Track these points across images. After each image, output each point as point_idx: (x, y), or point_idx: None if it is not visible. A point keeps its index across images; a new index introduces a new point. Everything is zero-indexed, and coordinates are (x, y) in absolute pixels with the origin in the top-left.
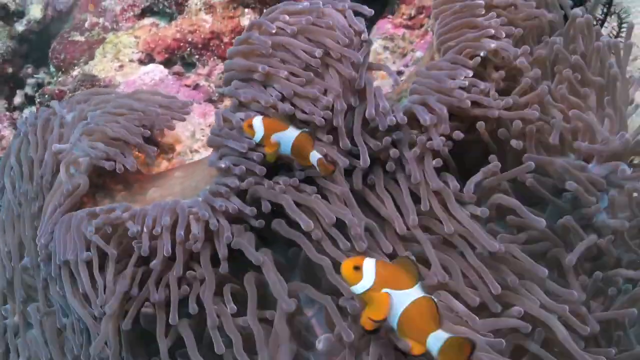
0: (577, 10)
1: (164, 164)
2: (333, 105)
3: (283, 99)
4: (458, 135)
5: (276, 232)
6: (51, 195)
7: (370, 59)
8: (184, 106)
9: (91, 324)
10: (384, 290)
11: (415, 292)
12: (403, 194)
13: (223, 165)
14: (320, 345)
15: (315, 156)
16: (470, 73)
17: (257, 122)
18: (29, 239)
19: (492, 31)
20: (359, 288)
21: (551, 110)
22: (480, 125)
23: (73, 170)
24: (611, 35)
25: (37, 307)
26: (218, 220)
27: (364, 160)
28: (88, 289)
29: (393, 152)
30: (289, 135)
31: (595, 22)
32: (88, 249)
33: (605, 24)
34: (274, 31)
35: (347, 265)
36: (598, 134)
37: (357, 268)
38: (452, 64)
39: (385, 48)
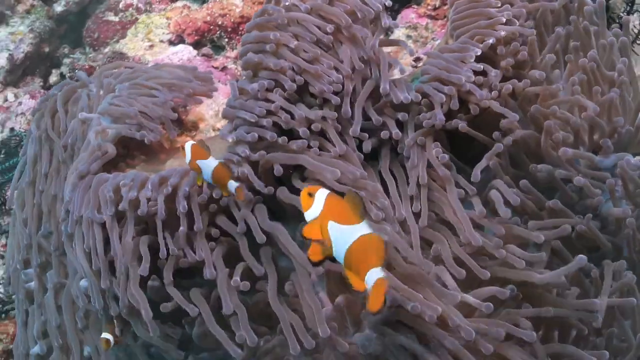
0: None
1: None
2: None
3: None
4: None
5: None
6: (77, 160)
7: (391, 48)
8: (205, 79)
9: (94, 281)
10: (330, 222)
11: (361, 228)
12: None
13: (230, 140)
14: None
15: (232, 185)
16: (479, 51)
17: (187, 147)
18: (48, 206)
19: (504, 19)
20: (309, 215)
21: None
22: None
23: (100, 140)
24: (632, 33)
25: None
26: None
27: (354, 131)
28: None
29: (395, 133)
30: (209, 164)
31: (616, 20)
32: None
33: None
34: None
35: (304, 191)
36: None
37: (311, 195)
38: (462, 45)
39: (408, 37)
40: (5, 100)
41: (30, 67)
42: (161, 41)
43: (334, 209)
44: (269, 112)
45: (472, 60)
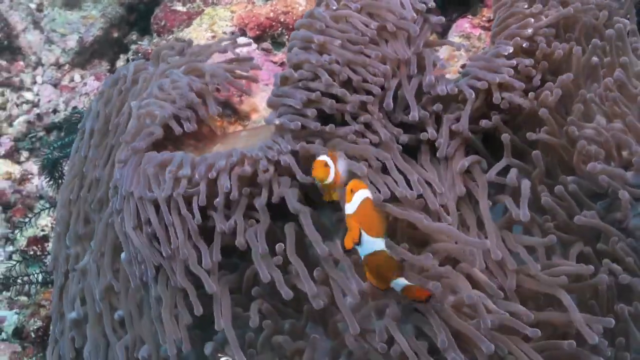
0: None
1: (238, 129)
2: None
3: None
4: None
5: None
6: (126, 137)
7: (445, 54)
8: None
9: (147, 253)
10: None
11: (380, 243)
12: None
13: (277, 122)
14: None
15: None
16: (511, 49)
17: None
18: (96, 178)
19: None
20: (347, 208)
21: (595, 116)
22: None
23: (149, 121)
24: None
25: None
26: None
27: (412, 116)
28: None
29: (431, 133)
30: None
31: None
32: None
33: None
34: (334, 7)
35: (350, 186)
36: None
37: (352, 191)
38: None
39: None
40: (72, 80)
41: (98, 51)
42: (224, 32)
43: (362, 215)
44: (311, 101)
45: (506, 53)
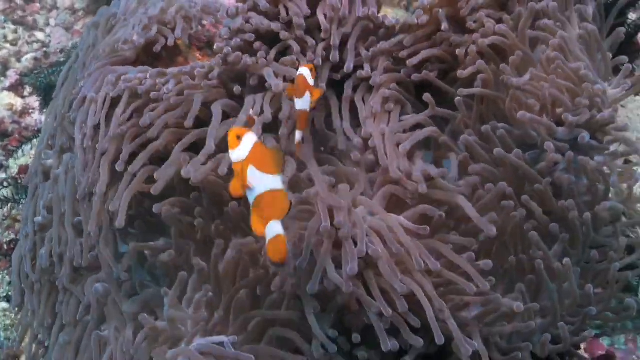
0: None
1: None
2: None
3: None
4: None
5: None
6: (98, 54)
7: None
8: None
9: (81, 153)
10: (250, 166)
11: (275, 181)
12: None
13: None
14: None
15: None
16: None
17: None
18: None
19: None
20: (233, 155)
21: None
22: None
23: (127, 47)
24: None
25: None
26: None
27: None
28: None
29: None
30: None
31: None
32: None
33: None
34: None
35: (232, 132)
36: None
37: (239, 138)
38: None
39: None
40: (84, 26)
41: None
42: None
43: (257, 156)
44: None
45: None
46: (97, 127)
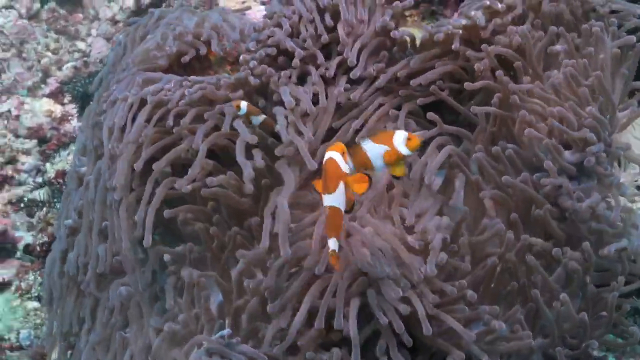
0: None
1: None
2: None
3: None
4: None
5: None
6: (132, 60)
7: None
8: None
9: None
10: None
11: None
12: None
13: None
14: None
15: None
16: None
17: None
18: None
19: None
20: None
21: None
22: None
23: (159, 54)
24: None
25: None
26: None
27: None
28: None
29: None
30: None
31: None
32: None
33: None
34: None
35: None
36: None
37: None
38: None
39: None
40: None
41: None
42: (254, 0)
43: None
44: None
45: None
46: (123, 130)
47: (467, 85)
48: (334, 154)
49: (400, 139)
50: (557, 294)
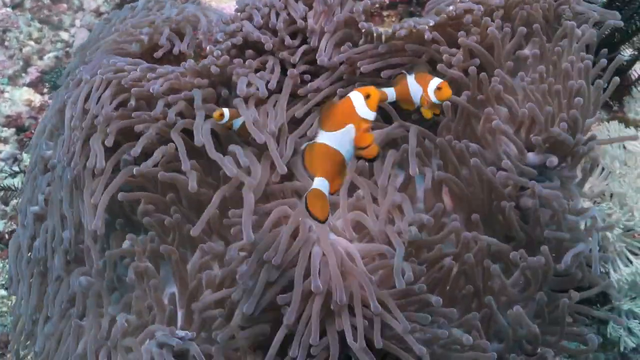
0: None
1: None
2: None
3: None
4: None
5: None
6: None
7: None
8: None
9: (67, 131)
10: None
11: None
12: None
13: None
14: None
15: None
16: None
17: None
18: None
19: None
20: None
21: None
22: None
23: (130, 39)
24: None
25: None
26: None
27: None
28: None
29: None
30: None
31: None
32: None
33: None
34: None
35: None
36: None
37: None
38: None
39: None
40: None
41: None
42: None
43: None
44: None
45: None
46: (86, 110)
47: (441, 68)
48: (355, 95)
49: (433, 86)
50: (514, 298)
